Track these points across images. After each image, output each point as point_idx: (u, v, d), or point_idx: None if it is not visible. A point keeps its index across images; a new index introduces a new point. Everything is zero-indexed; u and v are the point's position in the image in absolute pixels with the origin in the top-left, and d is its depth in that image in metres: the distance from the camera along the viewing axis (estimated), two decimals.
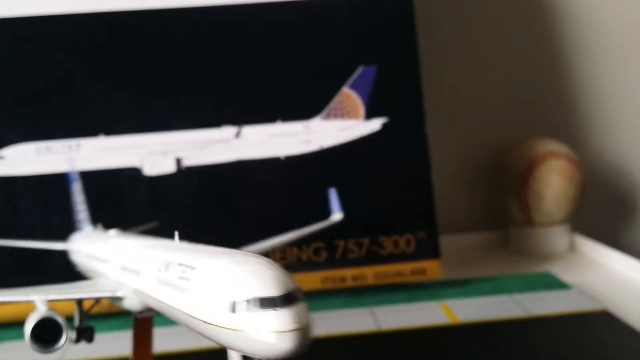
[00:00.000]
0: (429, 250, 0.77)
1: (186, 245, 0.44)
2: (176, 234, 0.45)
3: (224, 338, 0.34)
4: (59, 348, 0.43)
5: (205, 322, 0.34)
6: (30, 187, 0.74)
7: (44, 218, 0.74)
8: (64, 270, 0.64)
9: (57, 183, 0.73)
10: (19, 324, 0.71)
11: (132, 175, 0.74)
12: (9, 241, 0.68)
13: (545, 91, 1.03)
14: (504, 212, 0.96)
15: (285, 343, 0.32)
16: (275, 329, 0.32)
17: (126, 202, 0.75)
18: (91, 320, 0.52)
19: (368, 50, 0.77)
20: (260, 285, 0.32)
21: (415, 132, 0.77)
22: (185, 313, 0.36)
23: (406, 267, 0.77)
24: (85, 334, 0.50)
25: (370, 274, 0.77)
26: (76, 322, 0.50)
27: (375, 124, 0.77)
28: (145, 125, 0.75)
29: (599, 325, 0.65)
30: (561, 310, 0.68)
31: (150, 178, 0.75)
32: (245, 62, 0.76)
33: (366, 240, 0.76)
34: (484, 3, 1.01)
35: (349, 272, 0.77)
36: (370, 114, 0.77)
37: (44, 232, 0.73)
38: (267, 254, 0.56)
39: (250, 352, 0.33)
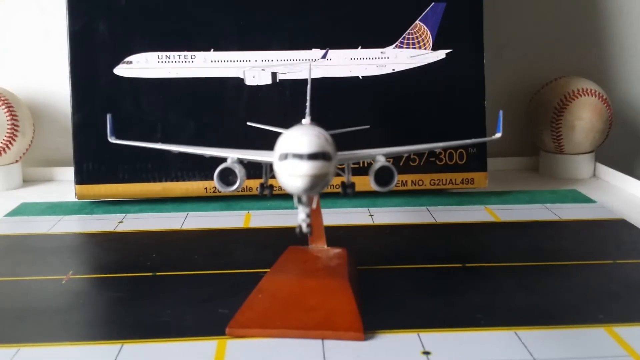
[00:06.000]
0: (478, 163, 0.92)
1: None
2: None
3: (278, 178, 0.52)
4: (233, 189, 0.60)
5: (274, 168, 0.52)
6: (152, 89, 0.88)
7: (163, 115, 0.88)
8: None
9: (174, 87, 0.88)
10: (140, 201, 0.87)
11: (235, 84, 0.88)
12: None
13: (582, 36, 1.15)
14: (537, 141, 1.09)
15: (300, 182, 0.50)
16: (296, 173, 0.49)
17: (229, 106, 0.89)
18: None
19: None
20: (297, 145, 0.50)
21: (474, 62, 0.90)
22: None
23: (458, 176, 0.92)
24: (267, 189, 0.64)
25: (427, 180, 0.92)
26: (263, 180, 0.65)
27: (441, 54, 0.90)
28: (248, 44, 0.88)
29: (618, 229, 0.79)
30: (587, 217, 0.83)
31: (250, 87, 0.89)
32: None
33: (425, 152, 0.91)
34: None
35: (409, 178, 0.91)
36: (437, 45, 0.90)
37: (162, 129, 0.88)
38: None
39: (285, 187, 0.51)
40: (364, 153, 0.64)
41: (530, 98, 1.10)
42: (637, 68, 1.17)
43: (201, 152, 0.66)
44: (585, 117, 1.03)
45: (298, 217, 0.53)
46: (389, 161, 0.62)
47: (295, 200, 0.53)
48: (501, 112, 0.70)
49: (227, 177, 0.60)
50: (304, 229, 0.53)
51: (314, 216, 0.66)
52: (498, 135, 0.70)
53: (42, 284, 0.64)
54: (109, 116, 0.71)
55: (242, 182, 0.60)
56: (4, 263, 0.70)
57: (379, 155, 0.63)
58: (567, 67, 1.13)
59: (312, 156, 0.49)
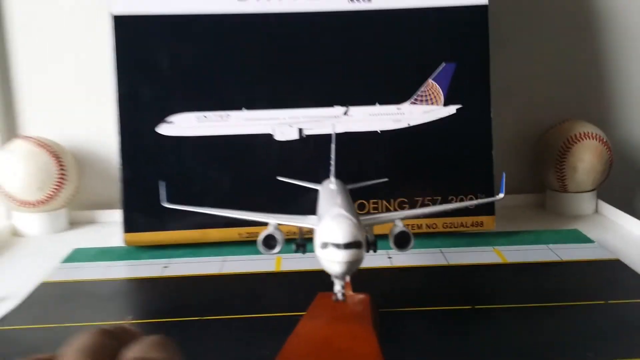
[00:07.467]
0: (487, 208, 1.01)
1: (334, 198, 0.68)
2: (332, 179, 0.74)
3: (320, 261, 0.60)
4: (275, 252, 0.70)
5: (316, 253, 0.61)
6: (191, 146, 0.97)
7: (203, 171, 0.98)
8: None
9: (213, 143, 0.97)
10: (183, 245, 0.96)
11: (266, 140, 0.98)
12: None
13: (583, 83, 1.24)
14: (543, 180, 1.18)
15: (338, 268, 0.59)
16: (335, 260, 0.58)
17: (261, 159, 0.98)
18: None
19: (450, 50, 0.99)
20: (335, 236, 0.59)
21: (482, 116, 0.99)
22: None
23: (468, 220, 1.00)
24: (301, 247, 0.75)
25: (440, 223, 1.00)
26: (299, 239, 0.75)
27: (452, 109, 0.99)
28: (276, 103, 0.98)
29: (612, 270, 0.87)
30: (585, 258, 0.91)
31: (279, 142, 0.98)
32: (352, 57, 0.98)
33: (439, 198, 0.99)
34: (540, 17, 1.21)
35: (424, 221, 1.00)
36: (448, 101, 0.99)
37: (202, 183, 0.97)
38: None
39: (326, 270, 0.60)
40: (384, 217, 0.73)
41: (536, 139, 1.19)
42: (636, 110, 1.25)
43: (245, 217, 0.75)
44: (586, 159, 1.11)
45: (334, 288, 0.62)
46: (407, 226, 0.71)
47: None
48: (504, 175, 0.79)
49: (269, 241, 0.69)
50: (340, 297, 0.62)
51: None
52: (501, 195, 0.79)
53: None
54: (161, 183, 0.80)
55: (282, 246, 0.69)
56: (65, 308, 0.78)
57: (397, 220, 0.72)
58: (570, 109, 1.22)
59: (348, 245, 0.58)
